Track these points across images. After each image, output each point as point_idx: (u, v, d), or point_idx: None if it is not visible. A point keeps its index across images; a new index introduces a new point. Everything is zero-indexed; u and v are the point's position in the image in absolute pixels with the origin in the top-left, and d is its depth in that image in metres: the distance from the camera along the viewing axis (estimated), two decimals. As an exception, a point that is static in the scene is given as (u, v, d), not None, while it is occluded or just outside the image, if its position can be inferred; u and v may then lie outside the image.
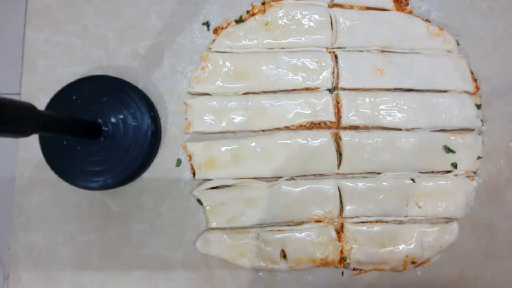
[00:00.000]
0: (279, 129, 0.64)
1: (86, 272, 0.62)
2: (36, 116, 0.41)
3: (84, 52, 0.66)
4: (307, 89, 0.65)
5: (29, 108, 0.40)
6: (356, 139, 0.63)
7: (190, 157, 0.64)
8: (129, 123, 0.60)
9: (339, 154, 0.64)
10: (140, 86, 0.65)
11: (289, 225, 0.63)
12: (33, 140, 0.62)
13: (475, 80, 0.67)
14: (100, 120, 0.59)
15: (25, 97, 0.65)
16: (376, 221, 0.64)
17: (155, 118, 0.62)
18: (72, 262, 0.63)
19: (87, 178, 0.59)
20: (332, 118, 0.64)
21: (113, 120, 0.59)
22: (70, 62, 0.66)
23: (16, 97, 0.66)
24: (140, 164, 0.61)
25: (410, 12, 0.67)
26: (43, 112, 0.43)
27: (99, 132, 0.58)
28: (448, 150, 0.63)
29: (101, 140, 0.59)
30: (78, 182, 0.60)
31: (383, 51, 0.66)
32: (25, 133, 0.40)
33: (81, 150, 0.59)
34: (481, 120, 0.66)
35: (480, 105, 0.66)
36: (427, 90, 0.65)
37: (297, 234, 0.62)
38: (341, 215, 0.63)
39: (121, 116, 0.60)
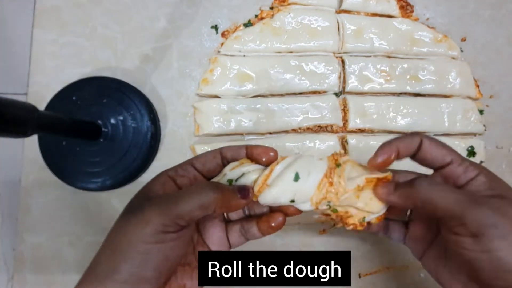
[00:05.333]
0: (286, 132, 0.59)
1: (92, 274, 0.56)
2: (36, 117, 0.37)
3: (92, 54, 0.61)
4: (314, 92, 0.59)
5: (30, 109, 0.37)
6: (362, 143, 0.58)
7: (198, 159, 0.57)
8: (128, 124, 0.55)
9: (346, 157, 0.58)
10: (148, 88, 0.60)
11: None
12: (40, 141, 0.56)
13: (477, 86, 0.62)
14: (99, 121, 0.55)
15: (32, 98, 0.60)
16: (383, 224, 0.58)
17: (154, 120, 0.58)
18: (78, 264, 0.57)
19: (85, 179, 0.55)
20: (338, 121, 0.58)
21: (112, 121, 0.55)
22: (78, 63, 0.61)
23: (23, 98, 0.60)
24: (139, 166, 0.56)
25: (416, 19, 0.62)
26: (44, 113, 0.39)
27: (99, 133, 0.54)
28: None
29: (101, 141, 0.55)
30: (76, 182, 0.55)
31: (389, 57, 0.61)
32: (25, 133, 0.36)
33: (80, 151, 0.55)
34: (484, 125, 0.61)
35: (483, 110, 0.62)
36: (433, 95, 0.60)
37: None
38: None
39: (121, 118, 0.55)
